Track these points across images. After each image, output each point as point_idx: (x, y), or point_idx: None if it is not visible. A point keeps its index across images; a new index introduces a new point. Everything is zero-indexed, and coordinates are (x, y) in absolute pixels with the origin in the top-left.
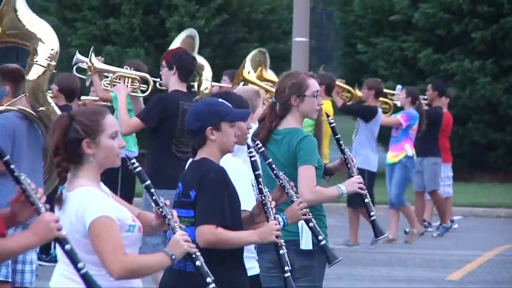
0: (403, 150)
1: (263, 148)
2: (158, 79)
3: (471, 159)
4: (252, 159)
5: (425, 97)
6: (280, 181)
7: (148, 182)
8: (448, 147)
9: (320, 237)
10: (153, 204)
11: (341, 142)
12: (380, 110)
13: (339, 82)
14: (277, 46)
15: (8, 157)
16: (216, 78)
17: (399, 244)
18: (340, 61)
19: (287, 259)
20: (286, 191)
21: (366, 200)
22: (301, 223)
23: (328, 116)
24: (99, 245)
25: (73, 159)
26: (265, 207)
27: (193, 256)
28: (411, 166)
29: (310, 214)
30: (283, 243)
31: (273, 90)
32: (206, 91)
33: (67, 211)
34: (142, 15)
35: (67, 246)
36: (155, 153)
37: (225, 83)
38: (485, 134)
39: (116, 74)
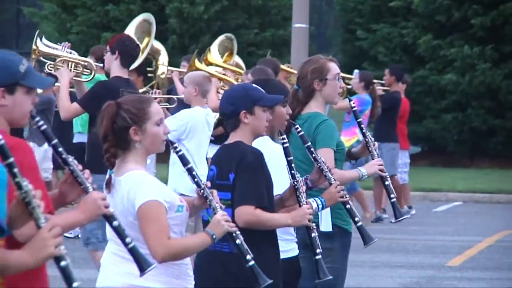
0: (354, 134)
1: (302, 132)
2: (101, 64)
3: (471, 145)
4: (285, 145)
5: (383, 82)
6: (319, 164)
7: (190, 165)
8: (406, 133)
9: (356, 219)
10: (195, 185)
11: (362, 126)
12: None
13: (285, 67)
14: (277, 33)
15: (56, 140)
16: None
17: (399, 229)
18: (340, 47)
19: (318, 241)
20: (324, 174)
21: (387, 183)
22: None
23: (350, 100)
24: (145, 228)
25: (121, 145)
26: (297, 192)
27: (234, 235)
28: None
29: (347, 196)
30: (314, 227)
31: (227, 77)
32: (163, 76)
33: (118, 194)
34: (141, 2)
35: (115, 223)
36: (93, 139)
37: (184, 69)
38: (485, 120)
39: (60, 59)
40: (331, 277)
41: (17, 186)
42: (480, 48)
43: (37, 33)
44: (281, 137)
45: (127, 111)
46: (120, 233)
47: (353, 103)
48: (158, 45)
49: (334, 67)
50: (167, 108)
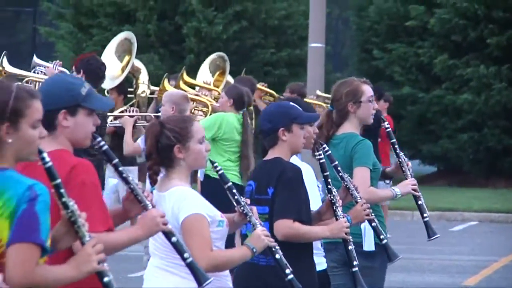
0: None
1: (329, 151)
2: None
3: (486, 165)
4: (321, 161)
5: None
6: (345, 183)
7: (230, 183)
8: (388, 152)
9: (381, 236)
10: (234, 203)
11: (396, 146)
12: None
13: (260, 86)
14: (293, 52)
15: (116, 160)
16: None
17: (416, 249)
18: (356, 67)
19: (355, 254)
20: (350, 192)
21: (420, 202)
22: (364, 225)
23: (383, 121)
24: (189, 241)
25: (165, 163)
26: (334, 206)
27: (273, 249)
28: None
29: (372, 214)
30: (351, 240)
31: (199, 98)
32: (143, 95)
33: (163, 209)
34: (157, 21)
35: (174, 239)
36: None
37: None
38: (501, 140)
39: (27, 79)
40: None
41: (64, 206)
42: (496, 67)
43: (3, 53)
44: (317, 153)
45: (171, 130)
46: (178, 248)
47: (387, 124)
48: (138, 63)
49: (367, 90)
50: (144, 126)
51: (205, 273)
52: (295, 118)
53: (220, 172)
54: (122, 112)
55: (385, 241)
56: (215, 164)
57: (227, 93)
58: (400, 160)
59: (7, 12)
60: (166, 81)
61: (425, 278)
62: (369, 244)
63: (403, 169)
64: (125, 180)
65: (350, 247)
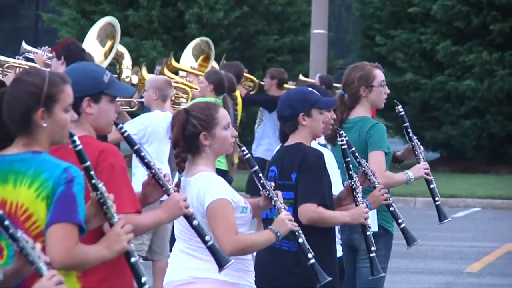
0: None
1: (347, 138)
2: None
3: (489, 151)
4: (343, 147)
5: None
6: (363, 168)
7: (256, 167)
8: None
9: (400, 220)
10: (260, 187)
11: (409, 130)
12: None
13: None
14: (296, 38)
15: (138, 146)
16: None
17: (418, 235)
18: (358, 53)
19: (372, 240)
20: (368, 177)
21: (432, 186)
22: None
23: (397, 105)
24: (214, 225)
25: (191, 150)
26: (354, 192)
27: (296, 233)
28: None
29: (391, 199)
30: (369, 225)
31: (182, 86)
32: (127, 80)
33: (189, 194)
34: (161, 7)
35: (195, 222)
36: None
37: (158, 73)
38: (504, 126)
39: (7, 64)
40: (384, 274)
41: (93, 187)
42: (498, 54)
43: None
44: (340, 139)
45: (196, 118)
46: (199, 231)
47: (400, 108)
48: (122, 48)
49: (379, 74)
50: (128, 112)
51: (225, 255)
52: (315, 103)
53: (247, 157)
54: None
55: (403, 225)
56: (242, 149)
57: (207, 79)
58: (413, 144)
59: None
60: (144, 70)
61: (427, 264)
62: (372, 226)
63: (416, 153)
64: (147, 165)
65: (368, 233)
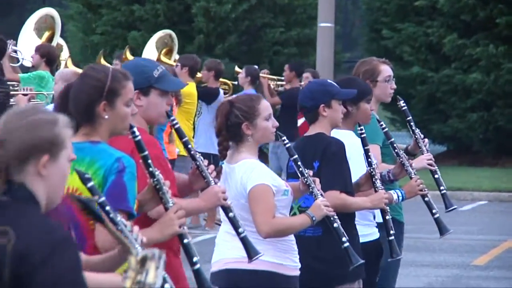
0: None
1: (387, 129)
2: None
3: (496, 145)
4: (363, 136)
5: (282, 78)
6: (401, 159)
7: (296, 156)
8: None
9: (434, 210)
10: (299, 174)
11: (412, 123)
12: (221, 92)
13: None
14: (302, 31)
15: (186, 138)
16: (241, 64)
17: (425, 229)
18: (365, 46)
19: (391, 224)
20: (405, 168)
21: (436, 176)
22: None
23: (399, 100)
24: (254, 208)
25: (235, 139)
26: (373, 178)
27: (331, 218)
28: None
29: (426, 189)
30: (388, 210)
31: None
32: None
33: (232, 180)
34: (167, 1)
35: (231, 214)
36: None
37: (117, 67)
38: (510, 119)
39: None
40: (402, 256)
41: (150, 175)
42: (505, 47)
43: None
44: (359, 128)
45: (239, 109)
46: (234, 223)
47: (403, 103)
48: (60, 41)
49: (385, 70)
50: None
51: (256, 248)
52: (335, 94)
53: (287, 146)
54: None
55: (437, 215)
56: (283, 138)
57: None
58: (416, 137)
59: None
60: (69, 60)
61: (434, 257)
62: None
63: (419, 145)
64: (193, 157)
65: (387, 217)
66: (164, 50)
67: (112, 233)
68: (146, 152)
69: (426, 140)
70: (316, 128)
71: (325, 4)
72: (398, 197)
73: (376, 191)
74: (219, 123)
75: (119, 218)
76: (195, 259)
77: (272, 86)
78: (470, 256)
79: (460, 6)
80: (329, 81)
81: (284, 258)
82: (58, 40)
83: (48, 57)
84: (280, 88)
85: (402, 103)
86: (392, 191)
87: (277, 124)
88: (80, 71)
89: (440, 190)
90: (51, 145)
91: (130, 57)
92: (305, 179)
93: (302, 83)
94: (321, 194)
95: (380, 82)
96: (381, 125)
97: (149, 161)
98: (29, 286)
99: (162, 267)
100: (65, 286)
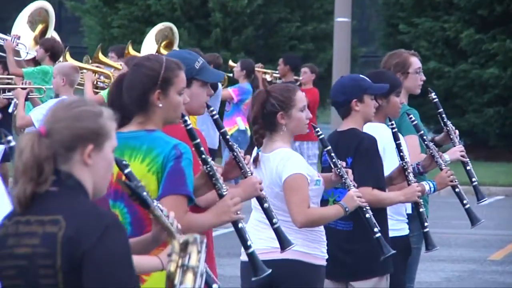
0: (235, 124)
1: (416, 121)
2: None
3: None
4: (394, 130)
5: (277, 72)
6: (431, 151)
7: (329, 147)
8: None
9: (464, 201)
10: (332, 165)
11: (443, 115)
12: (220, 85)
13: None
14: (319, 26)
15: (225, 129)
16: (258, 59)
17: (442, 224)
18: (382, 41)
19: (425, 216)
20: (435, 160)
21: (468, 168)
22: None
23: (430, 92)
24: (289, 197)
25: (269, 128)
26: (406, 172)
27: (364, 209)
28: (244, 140)
29: (456, 180)
30: (422, 203)
31: (101, 69)
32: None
33: (267, 169)
34: None
35: (265, 205)
36: None
37: (113, 60)
38: None
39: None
40: (438, 247)
41: (203, 161)
42: None
43: None
44: (390, 123)
45: (275, 98)
46: (268, 214)
47: (434, 95)
48: (55, 34)
49: (415, 62)
50: (40, 99)
51: (288, 238)
52: (367, 89)
53: (321, 137)
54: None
55: (468, 205)
56: (317, 129)
57: (126, 63)
58: (448, 128)
59: None
60: (68, 54)
61: (451, 252)
62: (408, 208)
63: (451, 137)
64: (230, 148)
65: (421, 210)
66: (164, 43)
67: (158, 218)
68: (198, 140)
69: (457, 132)
70: (348, 123)
71: None
72: (430, 188)
73: (409, 185)
74: (256, 111)
75: (156, 203)
76: (249, 243)
77: (269, 79)
78: (486, 251)
79: (477, 1)
80: (361, 76)
81: (312, 248)
82: (52, 33)
83: (52, 51)
84: (279, 81)
85: (433, 95)
86: (424, 182)
87: (310, 116)
88: (79, 64)
89: (472, 182)
90: (96, 135)
91: (132, 52)
92: (338, 170)
93: (301, 77)
94: (354, 185)
95: (411, 74)
96: (410, 117)
97: (202, 148)
98: (81, 269)
99: (204, 251)
100: (116, 267)
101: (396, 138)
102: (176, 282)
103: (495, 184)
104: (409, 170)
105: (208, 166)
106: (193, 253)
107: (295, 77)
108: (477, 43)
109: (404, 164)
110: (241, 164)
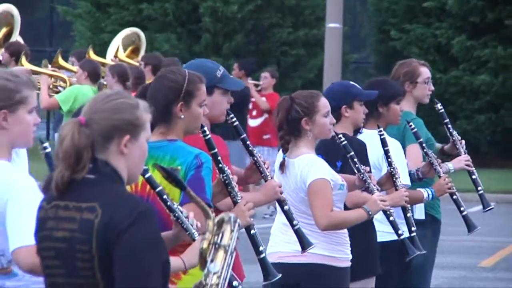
0: None
1: (415, 129)
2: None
3: (504, 146)
4: (382, 137)
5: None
6: (429, 159)
7: (352, 153)
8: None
9: (462, 208)
10: (355, 170)
11: (449, 126)
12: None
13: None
14: (310, 32)
15: (245, 135)
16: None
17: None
18: (373, 47)
19: (412, 221)
20: (434, 167)
21: (474, 177)
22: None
23: (437, 103)
24: (313, 201)
25: (294, 133)
26: (394, 177)
27: (388, 212)
28: None
29: (454, 188)
30: (409, 208)
31: (57, 74)
32: None
33: (292, 174)
34: (175, 0)
35: (286, 207)
36: None
37: (75, 64)
38: None
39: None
40: (425, 251)
41: (220, 170)
42: None
43: None
44: (378, 130)
45: (299, 105)
46: (289, 216)
47: (440, 106)
48: (20, 39)
49: (425, 71)
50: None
51: (309, 239)
52: (356, 95)
53: (343, 144)
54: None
55: (465, 212)
56: (339, 136)
57: (81, 67)
58: (454, 138)
59: None
60: (23, 58)
61: (441, 258)
62: (419, 213)
63: (457, 146)
64: (251, 153)
65: (408, 214)
66: (130, 48)
67: (193, 198)
68: (216, 150)
69: (463, 141)
70: (338, 129)
71: (333, 5)
72: (428, 195)
73: (396, 189)
74: (281, 117)
75: (176, 205)
76: (261, 248)
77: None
78: (477, 257)
79: (468, 7)
80: (351, 82)
81: (336, 251)
82: (17, 37)
83: (18, 56)
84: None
85: (439, 106)
86: (422, 190)
87: (334, 121)
88: (35, 68)
89: (478, 191)
90: (133, 126)
91: (93, 56)
92: (362, 175)
93: (261, 82)
94: (377, 189)
95: (420, 84)
96: (410, 126)
97: (219, 158)
98: (114, 251)
99: (237, 230)
100: (148, 251)
101: (384, 145)
102: (208, 259)
103: (487, 191)
104: (396, 176)
105: (224, 175)
106: (227, 231)
107: (255, 82)
108: (468, 49)
109: (391, 170)
110: (261, 169)
